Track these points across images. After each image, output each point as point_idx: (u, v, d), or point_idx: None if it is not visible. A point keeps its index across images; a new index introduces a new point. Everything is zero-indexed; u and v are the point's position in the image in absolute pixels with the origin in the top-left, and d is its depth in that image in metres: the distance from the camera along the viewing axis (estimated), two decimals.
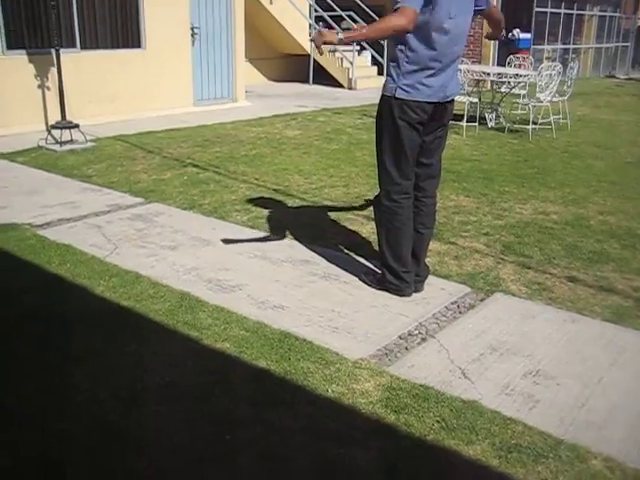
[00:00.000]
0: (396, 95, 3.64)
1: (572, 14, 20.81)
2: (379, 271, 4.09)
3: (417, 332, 3.54)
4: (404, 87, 3.62)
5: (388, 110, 3.70)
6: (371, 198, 4.25)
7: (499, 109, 10.57)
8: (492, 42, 16.77)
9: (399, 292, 3.94)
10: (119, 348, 3.26)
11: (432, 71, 3.62)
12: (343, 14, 15.32)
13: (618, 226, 5.43)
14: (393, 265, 3.91)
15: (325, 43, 3.50)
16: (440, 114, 3.78)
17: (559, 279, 4.29)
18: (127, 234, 4.93)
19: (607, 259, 4.67)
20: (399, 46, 3.62)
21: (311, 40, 3.63)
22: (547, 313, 3.80)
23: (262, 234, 4.97)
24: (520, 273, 4.37)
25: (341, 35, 3.47)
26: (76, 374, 3.06)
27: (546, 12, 19.27)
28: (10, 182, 6.39)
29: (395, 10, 3.43)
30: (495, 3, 16.60)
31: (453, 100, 3.86)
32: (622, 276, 4.37)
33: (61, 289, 3.95)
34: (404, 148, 3.74)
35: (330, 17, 15.10)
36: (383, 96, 3.75)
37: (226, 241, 4.74)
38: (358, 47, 15.37)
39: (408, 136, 3.71)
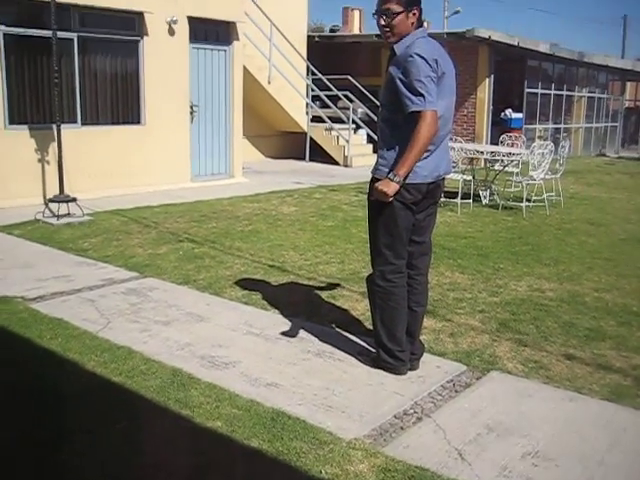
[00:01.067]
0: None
1: (562, 95, 21.37)
2: (374, 350, 4.05)
3: (413, 411, 3.47)
4: None
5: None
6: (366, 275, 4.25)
7: (493, 187, 10.71)
8: (485, 121, 17.16)
9: (394, 371, 3.88)
10: (109, 425, 3.19)
11: (427, 153, 3.66)
12: (339, 94, 15.70)
13: (614, 303, 5.41)
14: (388, 344, 3.87)
15: (392, 195, 3.60)
16: (433, 192, 3.83)
17: (556, 357, 4.25)
18: (121, 308, 4.89)
19: (604, 336, 4.64)
20: (394, 130, 3.67)
21: (375, 198, 3.67)
22: (544, 392, 3.75)
23: (257, 313, 4.95)
24: (516, 351, 4.32)
25: (398, 178, 3.55)
26: (65, 452, 2.98)
27: (537, 93, 19.78)
28: (5, 255, 6.39)
29: (411, 113, 3.49)
30: (488, 85, 17.09)
31: (444, 178, 3.92)
32: (619, 354, 4.33)
33: (51, 364, 3.89)
34: (399, 228, 3.75)
35: (327, 96, 15.46)
36: (376, 179, 3.76)
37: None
38: (354, 125, 15.68)
39: (403, 216, 3.73)
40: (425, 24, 3.84)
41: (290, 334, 4.44)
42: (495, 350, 4.32)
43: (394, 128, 3.68)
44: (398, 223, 3.74)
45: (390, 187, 3.56)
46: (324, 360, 4.07)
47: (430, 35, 3.79)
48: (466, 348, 4.34)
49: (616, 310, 5.23)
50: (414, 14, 3.68)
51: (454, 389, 3.75)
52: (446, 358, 4.17)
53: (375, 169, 3.78)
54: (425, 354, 4.10)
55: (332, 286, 5.59)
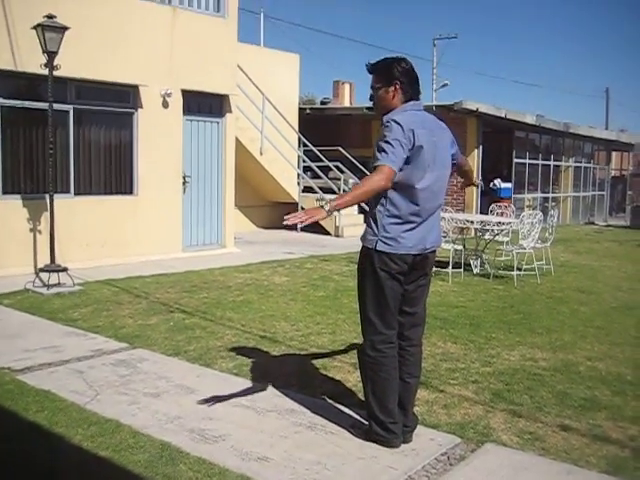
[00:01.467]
0: (377, 248, 3.69)
1: (549, 165, 21.75)
2: (366, 422, 3.98)
3: None
4: (385, 240, 3.68)
5: (369, 261, 3.74)
6: (358, 343, 4.22)
7: (483, 256, 10.76)
8: (475, 191, 17.38)
9: (387, 444, 3.81)
10: None
11: (412, 225, 3.70)
12: (330, 164, 15.92)
13: (607, 372, 5.37)
14: (380, 416, 3.81)
15: (315, 221, 3.47)
16: (421, 264, 3.82)
17: (551, 428, 4.19)
18: (109, 380, 4.82)
19: (599, 406, 4.58)
20: (381, 200, 3.71)
21: (299, 221, 3.46)
22: (541, 465, 3.67)
23: (248, 385, 4.88)
24: (511, 422, 4.26)
25: (327, 207, 3.48)
26: None
27: (525, 163, 20.13)
28: None
29: (375, 167, 3.56)
30: (477, 156, 17.39)
31: (434, 250, 3.92)
32: (616, 424, 4.28)
33: (37, 438, 3.80)
34: (386, 298, 3.75)
35: (318, 167, 15.67)
36: (363, 247, 3.80)
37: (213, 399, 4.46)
38: None
39: (389, 286, 3.73)
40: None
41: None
42: (489, 421, 4.25)
43: (378, 197, 3.72)
44: (385, 293, 3.73)
45: (318, 212, 3.45)
46: (316, 433, 4.00)
47: None
48: (460, 420, 4.27)
49: (610, 379, 5.19)
50: (395, 89, 3.77)
51: (448, 462, 3.67)
52: (440, 430, 4.10)
53: (363, 236, 3.82)
54: (418, 426, 4.03)
55: (324, 357, 5.54)
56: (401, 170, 3.58)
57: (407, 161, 3.60)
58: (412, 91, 3.83)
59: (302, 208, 15.70)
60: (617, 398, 4.77)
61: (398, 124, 3.60)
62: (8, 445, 3.69)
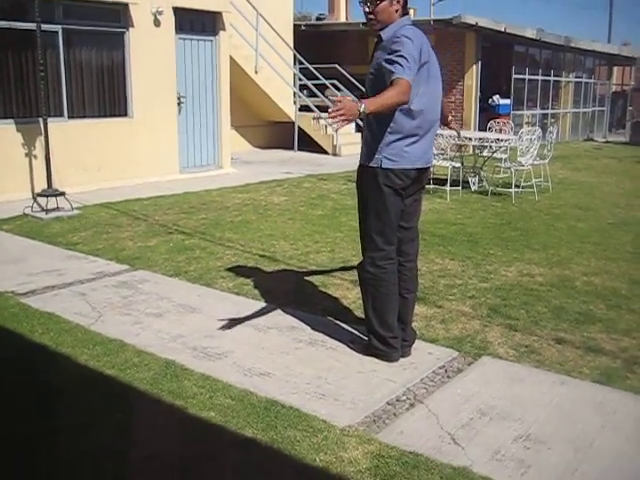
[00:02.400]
0: (382, 165, 3.69)
1: (549, 80, 21.40)
2: (365, 338, 4.06)
3: (405, 398, 3.50)
4: (390, 157, 3.68)
5: (372, 179, 3.74)
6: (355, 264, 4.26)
7: (482, 173, 10.73)
8: (473, 108, 17.16)
9: (386, 358, 3.90)
10: (103, 419, 3.20)
11: (415, 138, 3.70)
12: (327, 82, 15.65)
13: (603, 287, 5.45)
14: (380, 331, 3.89)
15: (349, 120, 3.25)
16: (420, 178, 3.87)
17: (546, 341, 4.28)
18: (112, 302, 4.89)
19: (594, 320, 4.68)
20: (380, 117, 3.68)
21: (331, 115, 3.19)
22: (536, 376, 3.78)
23: (248, 303, 4.96)
24: (507, 336, 4.35)
25: (364, 109, 3.27)
26: (59, 446, 2.99)
27: (524, 79, 19.79)
28: None
29: (392, 81, 3.45)
30: (475, 71, 17.09)
31: (430, 165, 3.96)
32: (609, 337, 4.37)
33: (43, 358, 3.88)
34: (389, 214, 3.77)
35: (314, 85, 15.42)
36: (366, 166, 3.78)
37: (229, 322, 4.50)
38: None
39: (393, 202, 3.76)
40: (411, 13, 3.86)
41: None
42: (486, 335, 4.35)
43: (378, 115, 3.68)
44: (389, 209, 3.76)
45: (354, 110, 3.23)
46: (316, 349, 4.09)
47: (417, 22, 3.81)
48: (457, 334, 4.36)
49: (605, 293, 5.27)
50: (398, 2, 3.70)
51: (446, 375, 3.77)
52: (438, 344, 4.19)
53: (362, 154, 3.81)
54: (417, 341, 4.12)
55: (323, 274, 5.60)
56: None
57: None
58: (406, 5, 3.79)
59: (299, 127, 15.56)
60: (611, 312, 4.86)
61: (409, 39, 3.55)
62: (17, 366, 3.78)
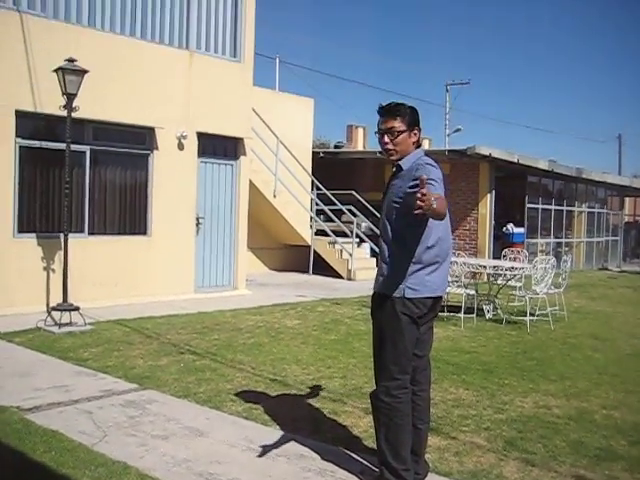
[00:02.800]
0: (405, 295, 3.68)
1: (562, 210, 21.72)
2: (377, 469, 3.91)
3: None
4: (412, 286, 3.69)
5: (391, 308, 3.72)
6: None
7: (496, 301, 10.70)
8: (487, 236, 17.35)
9: None
10: None
11: (435, 266, 3.73)
12: (343, 208, 15.98)
13: (623, 421, 5.28)
14: (393, 463, 3.74)
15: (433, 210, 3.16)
16: (435, 306, 3.87)
17: (566, 478, 4.10)
18: (118, 421, 4.79)
19: (615, 457, 4.49)
20: (402, 245, 3.72)
21: (421, 205, 3.11)
22: None
23: (257, 428, 4.84)
24: (524, 471, 4.18)
25: (435, 204, 3.15)
26: None
27: (537, 208, 20.10)
28: (4, 362, 6.33)
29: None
30: (489, 200, 17.41)
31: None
32: (633, 476, 4.18)
33: (43, 479, 3.77)
34: (405, 343, 3.74)
35: (331, 211, 15.74)
36: (384, 295, 3.76)
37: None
38: (357, 239, 15.86)
39: (409, 331, 3.73)
40: (426, 143, 4.00)
41: (269, 449, 4.32)
42: (502, 470, 4.18)
43: (401, 242, 3.73)
44: (405, 338, 3.73)
45: (435, 201, 3.14)
46: (325, 479, 3.94)
47: (432, 152, 3.94)
48: (472, 468, 4.20)
49: (626, 428, 5.10)
50: (415, 134, 3.85)
51: None
52: (451, 478, 4.03)
53: (386, 286, 3.77)
54: (430, 474, 3.96)
55: (335, 402, 5.49)
56: None
57: None
58: (419, 138, 3.93)
59: (315, 251, 15.73)
60: (634, 449, 4.68)
61: (433, 166, 3.66)
62: None
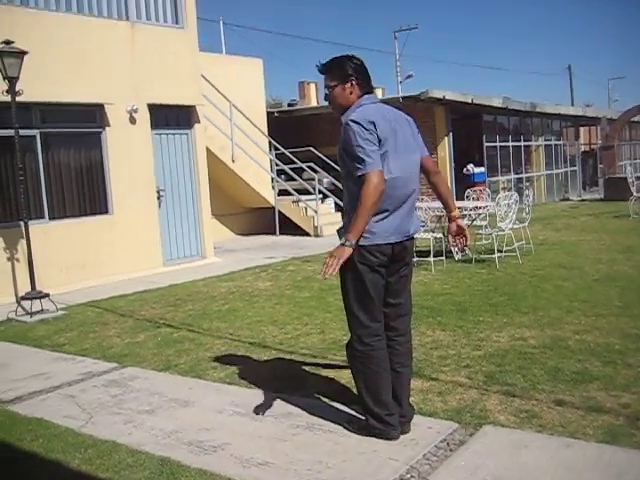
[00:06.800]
0: (359, 243, 3.64)
1: (520, 145, 21.91)
2: (362, 417, 3.98)
3: (409, 476, 3.40)
4: (364, 234, 3.62)
5: (349, 258, 3.64)
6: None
7: None
8: (448, 178, 17.47)
9: (386, 436, 3.81)
10: None
11: (385, 214, 3.67)
12: (303, 165, 15.91)
13: (596, 344, 5.43)
14: (375, 409, 3.81)
15: (345, 260, 3.56)
16: (401, 254, 3.82)
17: (546, 404, 4.22)
18: (102, 401, 4.78)
19: (591, 378, 4.63)
20: (351, 197, 3.70)
21: (332, 270, 3.56)
22: (540, 441, 3.70)
23: (242, 392, 4.87)
24: (506, 402, 4.29)
25: (349, 242, 3.55)
26: None
27: (496, 146, 20.26)
28: None
29: (360, 176, 3.53)
30: (447, 143, 17.47)
31: (412, 238, 3.92)
32: (608, 394, 4.32)
33: (34, 466, 3.76)
34: (368, 292, 3.74)
35: (291, 169, 15.67)
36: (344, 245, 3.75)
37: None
38: (321, 195, 15.84)
39: (371, 279, 3.72)
40: (379, 92, 3.97)
41: (261, 409, 4.37)
42: (485, 404, 4.28)
43: (350, 194, 3.73)
44: (368, 287, 3.73)
45: (342, 252, 3.56)
46: (314, 433, 4.00)
47: (387, 100, 3.91)
48: (456, 405, 4.29)
49: (599, 350, 5.24)
50: (351, 84, 3.80)
51: (449, 448, 3.69)
52: (437, 418, 4.11)
53: (340, 235, 3.78)
54: (415, 416, 4.04)
55: (315, 357, 5.54)
56: None
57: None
58: (366, 85, 3.88)
59: (279, 212, 15.69)
60: (608, 368, 4.82)
61: (356, 123, 3.62)
62: (5, 476, 3.65)
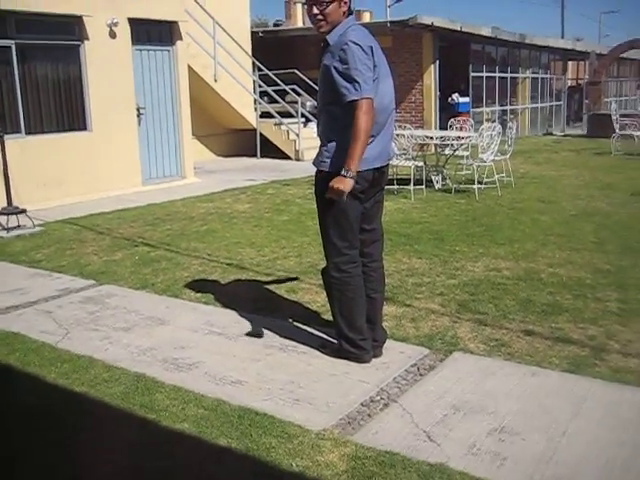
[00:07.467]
0: (338, 170, 3.57)
1: (506, 77, 21.68)
2: (336, 341, 4.05)
3: (379, 398, 3.50)
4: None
5: (328, 184, 3.60)
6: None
7: (444, 171, 10.82)
8: (433, 107, 17.32)
9: (358, 359, 3.90)
10: (74, 437, 3.14)
11: (371, 139, 3.62)
12: (287, 88, 15.65)
13: (568, 277, 5.53)
14: (349, 334, 3.88)
15: (347, 191, 3.52)
16: (379, 179, 3.82)
17: (516, 334, 4.32)
18: (79, 318, 4.82)
19: (561, 310, 4.74)
20: (333, 122, 3.66)
21: (330, 196, 3.58)
22: (507, 368, 3.81)
23: (217, 312, 4.92)
24: (477, 330, 4.39)
25: (351, 173, 3.48)
26: (30, 468, 2.93)
27: (482, 76, 20.02)
28: None
29: (351, 102, 3.46)
30: (434, 71, 17.23)
31: (388, 164, 3.92)
32: (577, 326, 4.43)
33: (10, 379, 3.81)
34: (349, 219, 3.74)
35: (274, 91, 15.41)
36: (322, 172, 3.72)
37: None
38: (303, 119, 15.65)
39: (351, 206, 3.71)
40: (367, 15, 3.88)
41: (254, 333, 4.41)
42: (456, 332, 4.37)
43: (333, 119, 3.67)
44: (348, 214, 3.73)
45: (346, 184, 3.50)
46: (287, 354, 4.07)
47: (373, 24, 3.83)
48: (428, 332, 4.38)
49: (571, 284, 5.34)
50: (345, 2, 3.69)
51: (418, 373, 3.79)
52: (409, 343, 4.20)
53: (319, 162, 3.74)
54: (388, 340, 4.12)
55: (291, 280, 5.59)
56: None
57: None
58: (350, 5, 3.79)
59: (261, 134, 15.52)
60: (578, 301, 4.93)
61: (358, 45, 3.53)
62: None
